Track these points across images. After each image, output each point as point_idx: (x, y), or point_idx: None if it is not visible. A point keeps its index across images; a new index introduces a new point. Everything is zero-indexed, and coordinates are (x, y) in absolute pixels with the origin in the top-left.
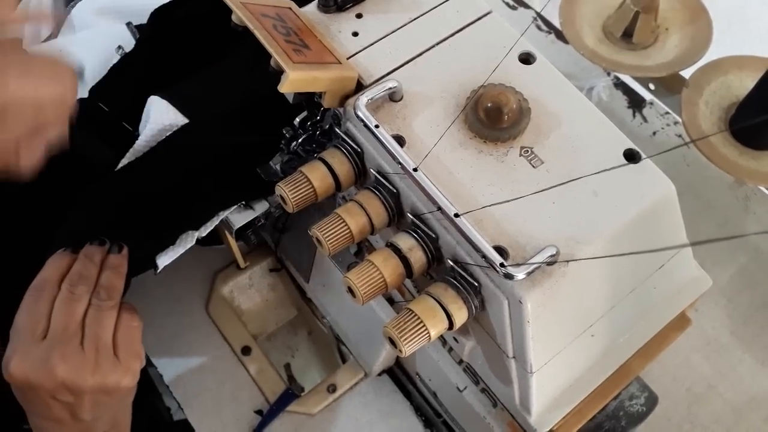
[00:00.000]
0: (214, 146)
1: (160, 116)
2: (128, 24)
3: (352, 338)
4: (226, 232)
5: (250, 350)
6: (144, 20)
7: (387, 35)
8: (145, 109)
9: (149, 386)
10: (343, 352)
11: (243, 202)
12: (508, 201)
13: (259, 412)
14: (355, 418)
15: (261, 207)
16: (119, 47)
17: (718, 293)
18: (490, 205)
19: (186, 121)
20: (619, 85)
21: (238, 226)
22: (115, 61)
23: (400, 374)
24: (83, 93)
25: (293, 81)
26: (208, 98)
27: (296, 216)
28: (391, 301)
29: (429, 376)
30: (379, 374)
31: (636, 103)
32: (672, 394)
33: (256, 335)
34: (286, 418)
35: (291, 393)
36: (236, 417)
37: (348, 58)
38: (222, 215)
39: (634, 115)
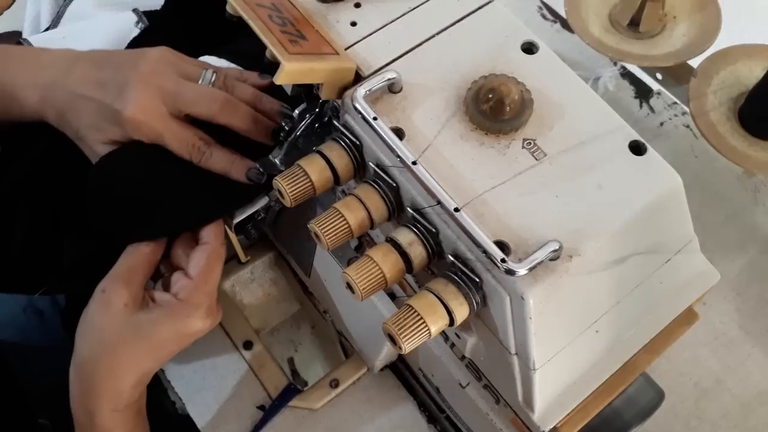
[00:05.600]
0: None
1: None
2: (134, 10)
3: (354, 334)
4: (226, 227)
5: (252, 345)
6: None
7: (386, 25)
8: None
9: (155, 381)
10: (346, 347)
11: None
12: (503, 183)
13: (261, 407)
14: (358, 413)
15: (261, 201)
16: (138, 21)
17: (727, 287)
18: (485, 192)
19: None
20: (626, 75)
21: (238, 220)
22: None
23: (403, 369)
24: None
25: (289, 72)
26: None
27: (297, 210)
28: (392, 296)
29: (431, 371)
30: (382, 369)
31: (643, 93)
32: (679, 389)
33: (258, 330)
34: (288, 414)
35: (293, 388)
36: (238, 412)
37: (346, 49)
38: None
39: (641, 106)
